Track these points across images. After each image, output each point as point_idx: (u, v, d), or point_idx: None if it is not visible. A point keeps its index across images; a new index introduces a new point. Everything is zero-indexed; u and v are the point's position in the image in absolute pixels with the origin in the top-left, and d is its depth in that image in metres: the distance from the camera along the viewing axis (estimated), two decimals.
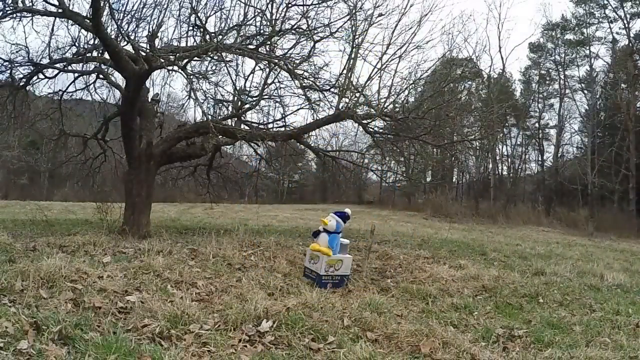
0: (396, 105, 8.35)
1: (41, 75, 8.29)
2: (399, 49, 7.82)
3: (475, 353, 3.13)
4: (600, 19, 25.19)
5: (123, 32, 6.73)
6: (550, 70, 28.78)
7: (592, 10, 25.39)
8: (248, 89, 8.58)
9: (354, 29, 7.67)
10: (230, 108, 8.74)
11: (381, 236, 9.87)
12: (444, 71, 9.67)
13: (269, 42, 7.50)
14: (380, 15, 7.70)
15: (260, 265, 5.22)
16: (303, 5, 7.49)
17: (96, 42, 7.58)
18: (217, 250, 5.50)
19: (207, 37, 7.21)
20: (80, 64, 8.18)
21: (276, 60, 7.24)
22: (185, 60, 6.43)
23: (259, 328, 3.19)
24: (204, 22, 7.21)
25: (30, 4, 7.23)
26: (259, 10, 7.29)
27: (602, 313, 4.47)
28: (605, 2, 24.28)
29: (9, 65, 7.73)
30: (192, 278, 4.28)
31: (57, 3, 6.75)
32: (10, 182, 27.13)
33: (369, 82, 7.95)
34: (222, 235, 6.77)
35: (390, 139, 9.26)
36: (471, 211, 23.89)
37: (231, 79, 11.08)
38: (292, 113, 8.83)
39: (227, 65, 7.40)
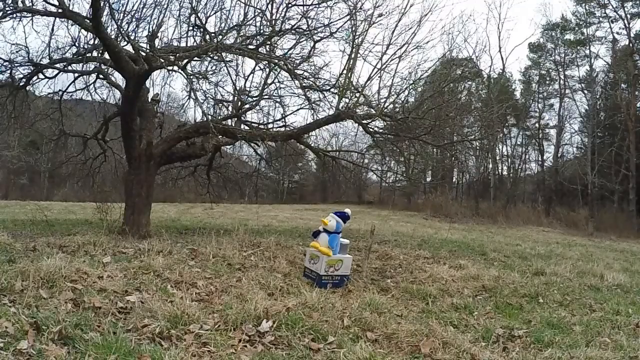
0: (396, 105, 8.35)
1: (41, 75, 8.28)
2: (399, 49, 7.84)
3: (475, 353, 3.13)
4: (601, 19, 25.18)
5: (123, 32, 6.72)
6: (550, 70, 28.76)
7: (593, 10, 25.37)
8: (248, 89, 8.59)
9: (354, 29, 7.68)
10: (230, 108, 8.74)
11: (381, 236, 9.87)
12: (444, 71, 9.67)
13: (269, 42, 7.50)
14: (380, 15, 7.70)
15: (260, 265, 5.22)
16: (303, 5, 7.50)
17: (96, 42, 7.57)
18: (217, 250, 5.51)
19: (207, 37, 7.22)
20: (80, 64, 8.17)
21: (276, 60, 7.24)
22: (185, 60, 6.42)
23: (259, 328, 3.19)
24: (204, 22, 7.22)
25: (30, 4, 7.23)
26: (259, 10, 7.30)
27: (602, 313, 4.47)
28: (606, 1, 24.27)
29: (9, 65, 7.73)
30: (192, 278, 4.28)
31: (57, 3, 6.75)
32: (10, 182, 27.13)
33: (369, 82, 7.96)
34: (222, 235, 6.77)
35: (390, 139, 9.26)
36: (471, 211, 23.89)
37: (231, 79, 11.07)
38: (292, 113, 8.85)
39: (227, 65, 7.39)
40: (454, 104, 9.64)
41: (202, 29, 7.28)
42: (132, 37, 6.91)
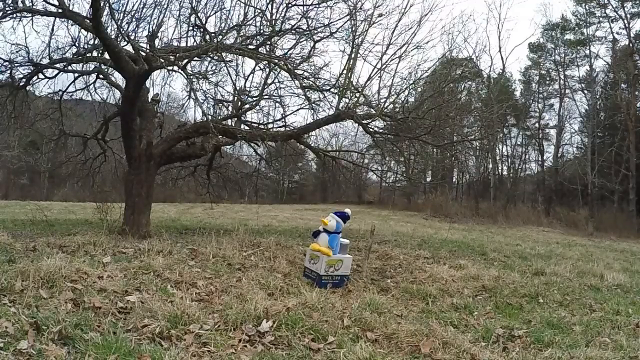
0: (396, 105, 8.34)
1: (41, 75, 8.28)
2: (399, 49, 7.84)
3: (475, 353, 3.13)
4: (601, 19, 25.18)
5: (123, 32, 6.73)
6: (550, 70, 28.78)
7: (593, 10, 25.37)
8: (248, 89, 8.59)
9: (354, 29, 7.68)
10: (230, 108, 8.74)
11: (381, 236, 9.87)
12: (444, 71, 9.67)
13: (269, 42, 7.50)
14: (380, 15, 7.70)
15: (260, 265, 5.22)
16: (303, 5, 7.49)
17: (96, 42, 7.57)
18: (217, 250, 5.51)
19: (207, 37, 7.21)
20: (80, 64, 8.18)
21: (276, 60, 7.23)
22: (185, 60, 6.42)
23: (259, 328, 3.19)
24: (204, 22, 7.22)
25: (30, 4, 7.23)
26: (259, 10, 7.29)
27: (602, 313, 4.47)
28: (606, 1, 24.26)
29: (9, 65, 7.73)
30: (192, 278, 4.28)
31: (57, 3, 6.75)
32: (10, 182, 27.14)
33: (369, 82, 7.97)
34: (222, 235, 6.77)
35: (390, 139, 9.26)
36: (471, 211, 23.89)
37: (231, 79, 11.09)
38: (292, 113, 8.84)
39: (227, 65, 7.39)
40: (454, 104, 9.64)
41: (202, 29, 7.28)
42: (132, 37, 6.91)
